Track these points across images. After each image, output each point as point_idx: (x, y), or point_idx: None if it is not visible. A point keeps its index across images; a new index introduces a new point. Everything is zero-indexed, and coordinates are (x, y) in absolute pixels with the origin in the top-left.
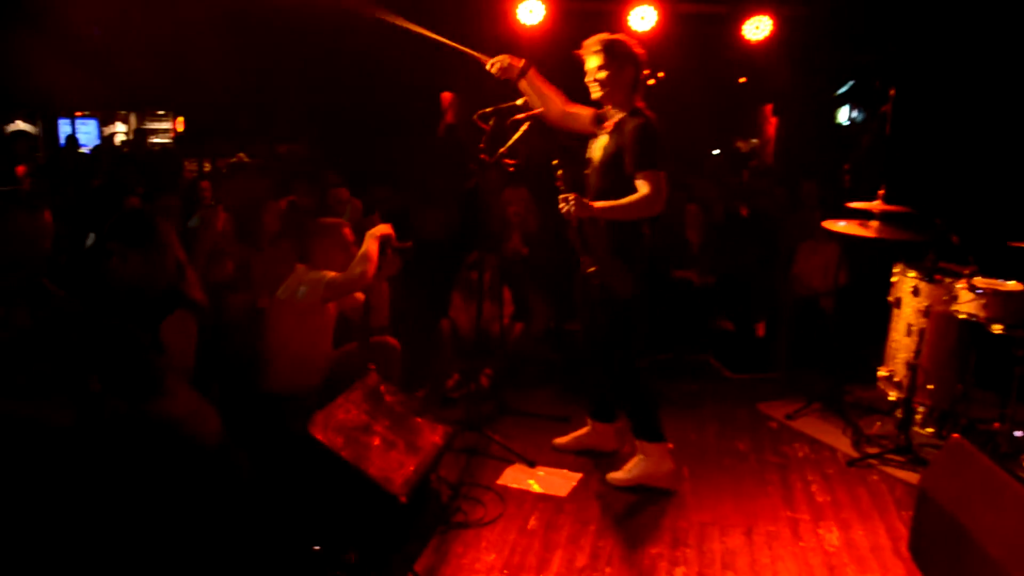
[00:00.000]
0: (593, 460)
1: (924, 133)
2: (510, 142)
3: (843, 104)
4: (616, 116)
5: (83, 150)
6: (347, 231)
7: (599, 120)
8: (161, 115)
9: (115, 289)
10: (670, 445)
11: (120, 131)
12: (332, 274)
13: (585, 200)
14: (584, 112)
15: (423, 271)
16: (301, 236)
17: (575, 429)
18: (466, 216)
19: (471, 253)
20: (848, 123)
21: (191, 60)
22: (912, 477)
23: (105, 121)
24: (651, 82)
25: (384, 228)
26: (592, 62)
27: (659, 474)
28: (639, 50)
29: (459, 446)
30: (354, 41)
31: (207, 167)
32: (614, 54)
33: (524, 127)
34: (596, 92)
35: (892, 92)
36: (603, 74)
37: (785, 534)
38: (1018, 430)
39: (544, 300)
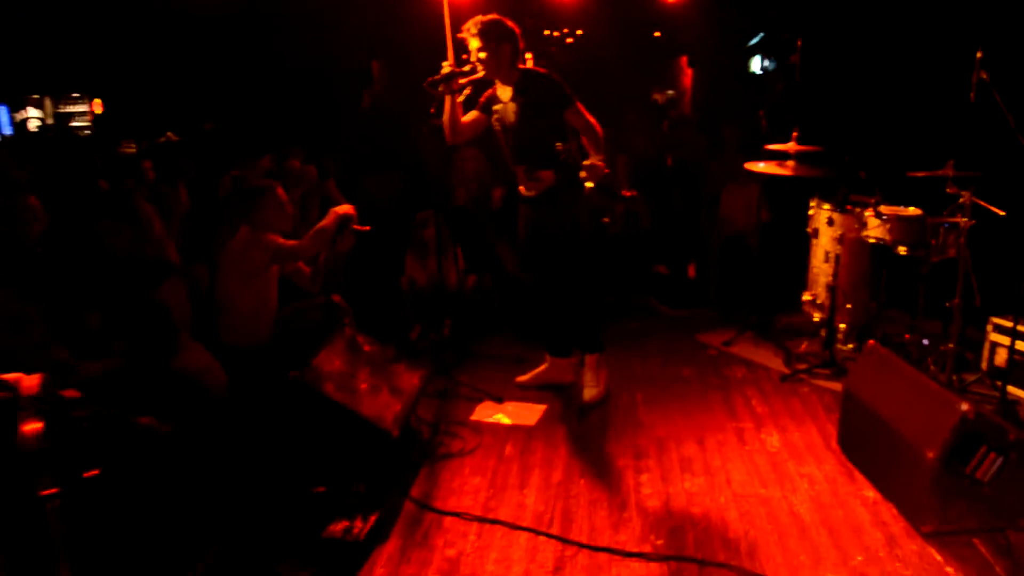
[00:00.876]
0: (553, 392)
1: (830, 79)
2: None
3: (755, 55)
4: (508, 88)
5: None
6: (280, 191)
7: (491, 102)
8: (76, 98)
9: (115, 261)
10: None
11: (33, 116)
12: (282, 241)
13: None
14: (471, 114)
15: (376, 234)
16: (239, 202)
17: (533, 367)
18: (414, 178)
19: (420, 212)
20: (761, 72)
21: (106, 39)
22: (837, 386)
23: (15, 107)
24: (569, 40)
25: (347, 208)
26: (473, 44)
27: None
28: (512, 26)
29: (431, 391)
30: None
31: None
32: (489, 35)
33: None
34: (482, 71)
35: (799, 43)
36: (484, 54)
37: (732, 441)
38: (925, 339)
39: (508, 250)
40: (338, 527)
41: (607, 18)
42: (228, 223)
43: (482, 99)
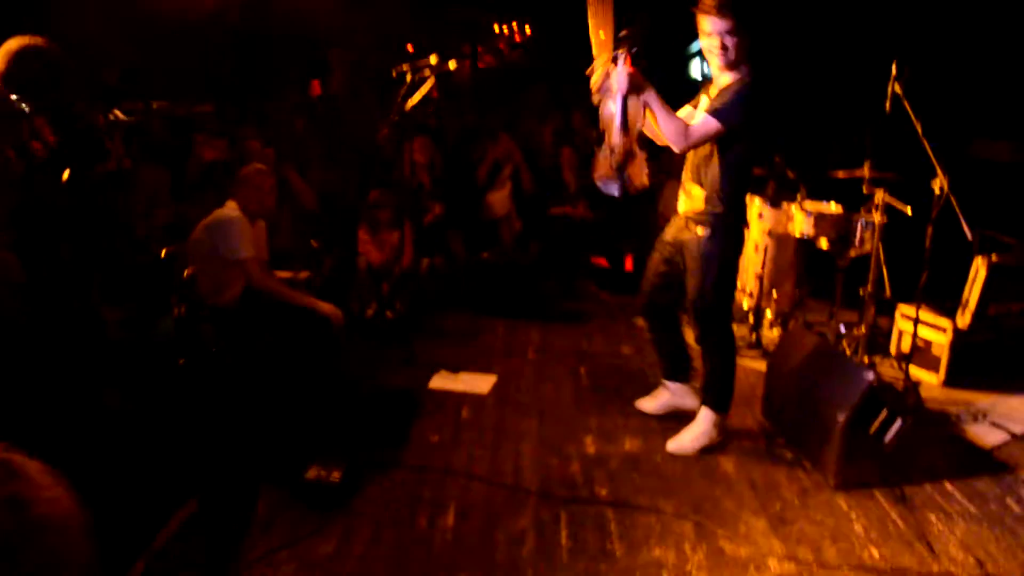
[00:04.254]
0: (505, 363)
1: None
2: (419, 95)
3: (693, 60)
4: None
5: None
6: (267, 177)
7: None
8: None
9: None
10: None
11: None
12: (252, 265)
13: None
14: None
15: (332, 220)
16: (227, 185)
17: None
18: (371, 166)
19: (373, 192)
20: (701, 78)
21: (53, 14)
22: (762, 366)
23: None
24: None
25: (336, 313)
26: (706, 25)
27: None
28: None
29: (391, 361)
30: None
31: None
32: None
33: (430, 82)
34: (721, 64)
35: None
36: (730, 41)
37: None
38: (842, 325)
39: (459, 238)
40: (314, 472)
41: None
42: (211, 195)
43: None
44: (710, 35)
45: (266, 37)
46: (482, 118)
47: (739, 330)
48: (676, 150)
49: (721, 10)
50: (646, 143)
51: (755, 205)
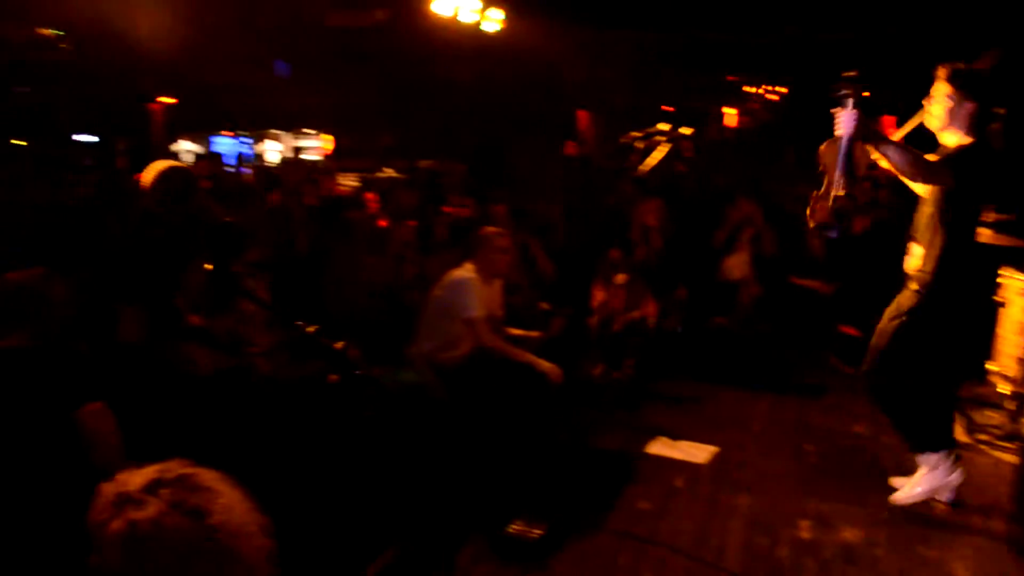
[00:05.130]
0: (726, 432)
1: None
2: (653, 161)
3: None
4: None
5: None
6: (505, 240)
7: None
8: (310, 134)
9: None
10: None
11: (271, 149)
12: (481, 325)
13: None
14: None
15: (568, 277)
16: (467, 244)
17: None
18: (608, 225)
19: (611, 252)
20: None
21: (342, 89)
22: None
23: (256, 139)
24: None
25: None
26: (942, 89)
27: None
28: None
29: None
30: (488, 64)
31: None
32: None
33: (664, 148)
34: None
35: (1004, 111)
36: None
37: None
38: None
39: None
40: (516, 527)
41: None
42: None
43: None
44: (938, 98)
45: (521, 101)
46: (731, 179)
47: (995, 417)
48: (908, 182)
49: (952, 79)
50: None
51: (1017, 281)
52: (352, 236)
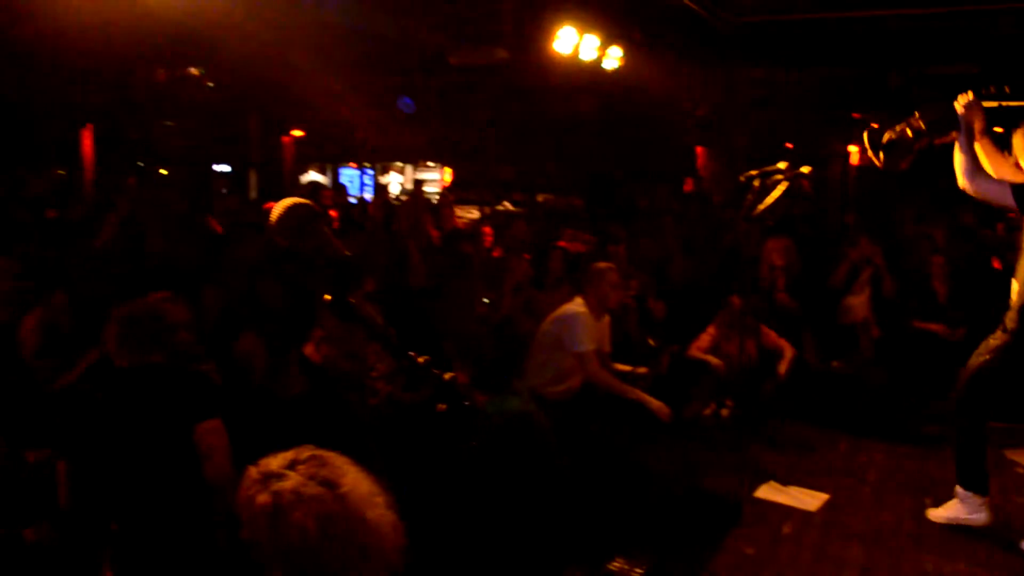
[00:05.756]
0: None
1: None
2: (770, 200)
3: None
4: None
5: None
6: (616, 275)
7: None
8: (431, 167)
9: None
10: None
11: (394, 181)
12: (591, 355)
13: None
14: None
15: (679, 314)
16: (579, 278)
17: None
18: (724, 264)
19: (730, 296)
20: None
21: (462, 123)
22: None
23: (380, 171)
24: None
25: (663, 410)
26: None
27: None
28: None
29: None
30: (607, 100)
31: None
32: None
33: (783, 186)
34: None
35: None
36: None
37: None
38: None
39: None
40: (617, 564)
41: None
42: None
43: None
44: None
45: (640, 137)
46: (860, 218)
47: None
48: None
49: None
50: None
51: None
52: (468, 268)
